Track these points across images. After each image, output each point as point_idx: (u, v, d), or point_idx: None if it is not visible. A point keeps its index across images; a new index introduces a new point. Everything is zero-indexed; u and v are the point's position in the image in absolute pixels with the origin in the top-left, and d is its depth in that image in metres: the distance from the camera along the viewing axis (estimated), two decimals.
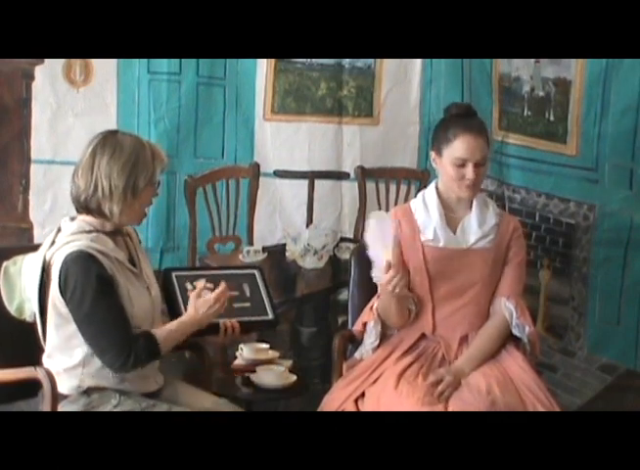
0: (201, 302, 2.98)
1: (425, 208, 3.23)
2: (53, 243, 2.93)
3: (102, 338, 2.85)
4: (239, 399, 3.36)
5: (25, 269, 2.99)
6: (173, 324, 2.97)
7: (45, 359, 2.98)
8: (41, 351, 2.98)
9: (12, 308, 3.01)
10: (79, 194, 2.93)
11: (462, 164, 3.13)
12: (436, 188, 3.25)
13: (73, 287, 2.84)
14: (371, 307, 3.24)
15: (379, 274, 3.05)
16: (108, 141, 2.93)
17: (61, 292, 2.86)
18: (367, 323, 3.24)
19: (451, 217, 3.23)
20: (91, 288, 2.83)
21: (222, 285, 3.02)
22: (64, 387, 2.91)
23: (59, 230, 2.96)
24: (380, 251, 3.03)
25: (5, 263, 3.03)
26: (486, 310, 3.24)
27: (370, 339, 3.24)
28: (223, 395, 3.23)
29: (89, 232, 2.92)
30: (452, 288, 3.19)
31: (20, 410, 3.01)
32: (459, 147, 3.13)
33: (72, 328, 2.89)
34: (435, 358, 3.19)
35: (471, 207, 3.23)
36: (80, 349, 2.90)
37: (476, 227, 3.21)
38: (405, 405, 2.95)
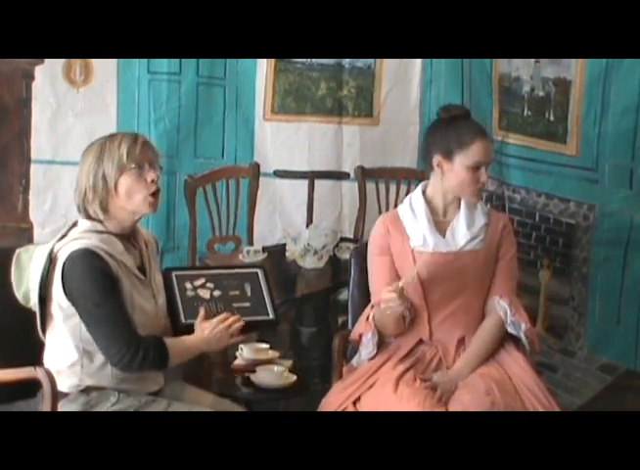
0: (207, 324, 2.99)
1: (412, 213, 3.21)
2: (64, 236, 2.93)
3: (107, 334, 2.85)
4: (239, 398, 3.36)
5: (35, 258, 2.99)
6: (182, 339, 2.98)
7: (47, 356, 2.98)
8: (42, 349, 2.99)
9: (19, 295, 3.01)
10: (75, 203, 2.98)
11: (476, 168, 3.12)
12: (423, 192, 3.23)
13: (77, 283, 2.84)
14: (367, 318, 3.22)
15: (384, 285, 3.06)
16: (84, 150, 2.97)
17: (63, 287, 2.86)
18: (364, 334, 3.23)
19: (439, 221, 3.21)
20: (95, 284, 2.84)
21: (225, 315, 3.02)
22: (64, 385, 2.91)
23: (74, 225, 2.97)
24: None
25: (18, 250, 3.04)
26: (482, 311, 3.23)
27: (367, 349, 3.22)
28: (223, 395, 3.23)
29: (100, 232, 2.92)
30: (446, 292, 3.17)
31: (20, 410, 3.01)
32: (477, 151, 3.10)
33: (71, 324, 2.89)
34: (432, 363, 3.18)
35: (459, 208, 3.21)
36: (78, 347, 2.90)
37: (464, 229, 3.19)
38: (406, 410, 2.95)
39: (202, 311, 3.04)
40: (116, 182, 2.90)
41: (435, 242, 3.17)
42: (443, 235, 3.19)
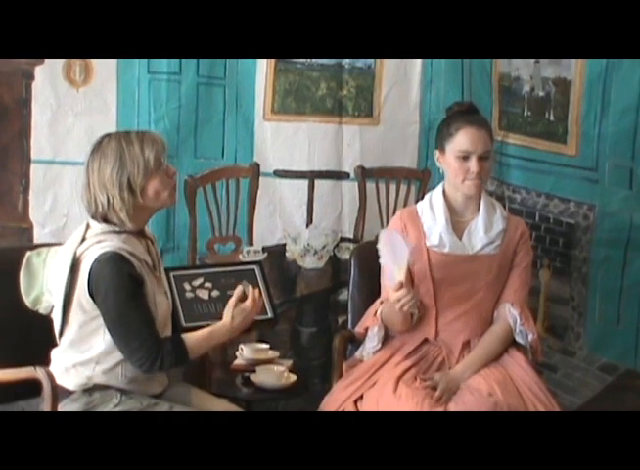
0: (238, 310, 2.98)
1: (431, 211, 3.22)
2: (84, 239, 2.92)
3: (133, 338, 2.85)
4: (239, 398, 3.36)
5: (51, 262, 2.98)
6: (205, 332, 2.97)
7: (58, 353, 2.97)
8: (42, 349, 2.98)
9: (28, 299, 3.00)
10: (88, 210, 2.95)
11: (466, 157, 3.12)
12: (443, 191, 3.24)
13: (105, 287, 2.83)
14: (374, 313, 3.22)
15: (389, 283, 3.05)
16: (94, 154, 2.93)
17: (90, 290, 2.85)
18: (370, 328, 3.23)
19: (458, 222, 3.21)
20: (123, 288, 2.83)
21: (253, 291, 3.02)
22: (70, 383, 2.92)
23: (88, 227, 2.95)
24: (392, 267, 3.03)
25: (29, 253, 3.03)
26: (490, 316, 3.23)
27: (372, 343, 3.23)
28: (223, 395, 3.23)
29: (119, 233, 2.91)
30: (456, 293, 3.18)
31: (22, 409, 3.01)
32: (462, 140, 3.13)
33: (94, 325, 2.89)
34: (435, 363, 3.18)
35: (478, 210, 3.22)
36: (98, 346, 2.90)
37: (482, 233, 3.19)
38: (404, 409, 2.95)
39: (237, 292, 3.00)
40: (143, 187, 2.91)
41: (452, 244, 3.17)
42: (460, 237, 3.19)
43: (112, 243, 2.87)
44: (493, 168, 3.95)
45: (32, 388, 2.89)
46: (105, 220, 2.93)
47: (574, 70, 3.79)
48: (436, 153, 3.23)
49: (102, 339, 2.89)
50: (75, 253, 2.89)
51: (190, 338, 2.93)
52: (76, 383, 2.92)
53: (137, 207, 2.92)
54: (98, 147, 2.94)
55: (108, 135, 2.97)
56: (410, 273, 3.07)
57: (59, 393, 2.86)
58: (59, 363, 2.95)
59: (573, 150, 3.85)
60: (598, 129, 3.74)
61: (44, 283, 2.99)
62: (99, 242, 2.88)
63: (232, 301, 3.00)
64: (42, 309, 3.00)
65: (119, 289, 2.83)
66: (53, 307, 2.96)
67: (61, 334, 2.95)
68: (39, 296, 2.99)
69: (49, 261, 2.99)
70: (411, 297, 2.99)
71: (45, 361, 2.96)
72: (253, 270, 3.32)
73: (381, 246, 3.10)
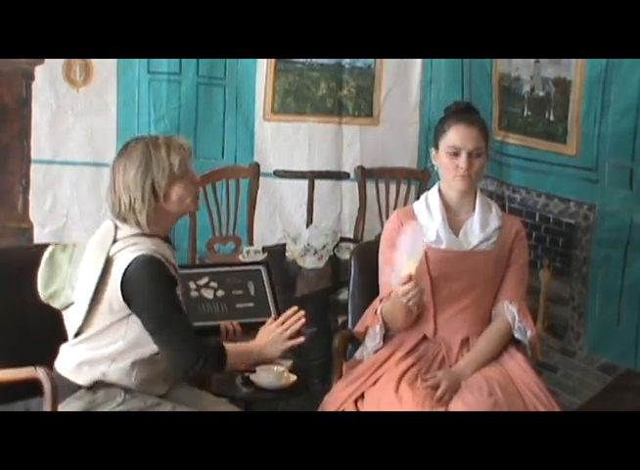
0: (268, 328, 3.03)
1: (427, 209, 3.24)
2: (115, 240, 2.91)
3: (178, 337, 2.86)
4: (239, 398, 3.36)
5: (78, 259, 2.97)
6: (243, 345, 3.04)
7: (69, 348, 2.96)
8: (42, 348, 2.98)
9: (45, 292, 2.99)
10: (112, 211, 2.95)
11: (456, 154, 3.15)
12: (439, 190, 3.26)
13: (142, 289, 2.84)
14: (375, 311, 3.22)
15: (396, 282, 3.05)
16: (121, 155, 2.95)
17: (123, 292, 2.85)
18: (370, 327, 3.23)
19: (454, 220, 3.23)
20: (163, 290, 2.85)
21: (284, 317, 3.07)
22: (82, 378, 2.92)
23: (117, 227, 2.94)
24: (405, 259, 3.03)
25: (51, 247, 3.03)
26: (488, 313, 3.24)
27: (373, 342, 3.23)
28: (223, 395, 3.23)
29: (150, 236, 2.92)
30: (454, 290, 3.19)
31: (22, 410, 3.01)
32: (452, 136, 3.16)
33: (117, 325, 2.89)
34: (436, 361, 3.18)
35: (473, 209, 3.24)
36: (118, 344, 2.90)
37: (478, 230, 3.21)
38: (405, 409, 2.95)
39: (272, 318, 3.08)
40: (167, 191, 2.91)
41: (448, 240, 3.19)
42: (456, 233, 3.21)
43: (145, 246, 2.88)
44: (493, 168, 3.97)
45: (32, 388, 2.89)
46: (127, 223, 2.92)
47: (574, 70, 3.79)
48: (432, 151, 3.26)
49: (122, 338, 2.90)
50: (108, 253, 2.89)
51: (230, 348, 2.96)
52: (88, 379, 2.92)
53: (160, 211, 2.92)
54: (125, 149, 2.95)
55: (136, 138, 2.99)
56: (425, 270, 3.09)
57: (64, 389, 2.86)
58: (70, 358, 2.94)
59: (573, 150, 3.85)
60: (598, 129, 3.74)
61: (67, 279, 2.98)
62: (134, 244, 2.88)
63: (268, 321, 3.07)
64: (57, 304, 2.98)
65: (159, 291, 2.85)
66: (70, 304, 2.96)
67: (78, 330, 2.93)
68: (58, 291, 2.98)
69: (76, 258, 2.98)
70: (418, 290, 3.00)
71: (45, 361, 2.96)
72: (260, 271, 3.33)
73: (401, 240, 3.09)
